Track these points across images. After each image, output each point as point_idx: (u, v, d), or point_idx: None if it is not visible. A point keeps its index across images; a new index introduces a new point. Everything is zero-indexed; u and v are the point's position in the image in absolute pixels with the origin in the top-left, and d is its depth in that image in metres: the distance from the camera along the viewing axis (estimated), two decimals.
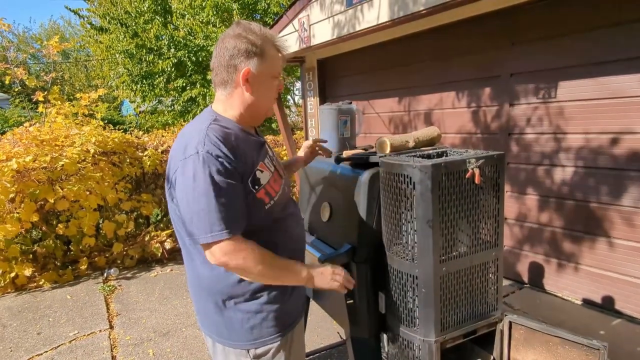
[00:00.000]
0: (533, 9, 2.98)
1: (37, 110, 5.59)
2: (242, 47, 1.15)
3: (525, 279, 3.32)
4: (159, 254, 4.39)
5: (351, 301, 1.64)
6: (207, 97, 7.63)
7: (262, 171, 1.20)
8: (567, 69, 2.86)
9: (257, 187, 1.17)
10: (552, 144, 3.02)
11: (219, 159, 1.06)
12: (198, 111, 7.92)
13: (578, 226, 2.94)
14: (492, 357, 1.61)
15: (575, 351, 1.46)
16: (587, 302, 2.93)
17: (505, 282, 3.33)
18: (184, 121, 8.22)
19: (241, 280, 1.19)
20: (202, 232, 1.06)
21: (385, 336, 1.65)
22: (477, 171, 1.37)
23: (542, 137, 3.07)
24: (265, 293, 1.22)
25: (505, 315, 1.60)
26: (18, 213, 3.78)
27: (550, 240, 3.12)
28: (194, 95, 7.74)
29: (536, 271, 3.24)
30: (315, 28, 4.53)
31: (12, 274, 3.77)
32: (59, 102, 5.26)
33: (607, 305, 2.82)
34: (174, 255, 4.54)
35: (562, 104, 2.92)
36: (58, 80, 17.10)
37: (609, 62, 2.64)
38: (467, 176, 1.37)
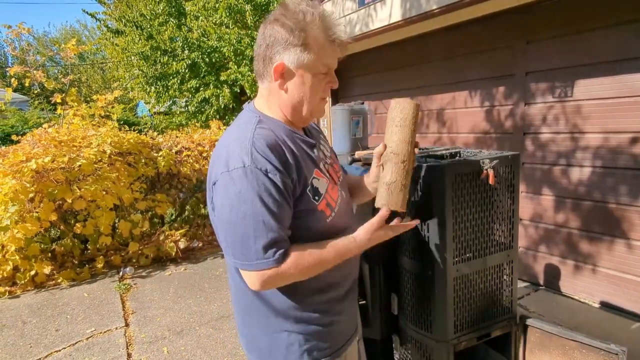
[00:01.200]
0: (548, 6, 2.93)
1: (56, 112, 5.72)
2: (278, 35, 0.96)
3: (541, 280, 3.27)
4: (174, 253, 4.45)
5: (363, 302, 1.64)
6: (220, 98, 7.70)
7: (318, 179, 1.02)
8: (584, 66, 2.80)
9: (317, 197, 1.01)
10: (569, 143, 2.96)
11: (269, 175, 0.91)
12: (211, 112, 8.00)
13: (596, 227, 2.88)
14: None
15: (593, 355, 1.43)
16: (605, 305, 2.86)
17: (521, 284, 3.28)
18: (197, 122, 8.30)
19: (289, 297, 1.06)
20: (246, 259, 0.95)
21: (397, 338, 1.65)
22: (491, 172, 1.35)
23: (558, 137, 3.02)
24: (312, 311, 1.08)
25: (521, 317, 1.57)
26: (37, 212, 3.88)
27: (567, 241, 3.07)
28: (207, 96, 7.82)
29: (552, 273, 3.19)
30: None
31: (32, 272, 3.87)
32: (77, 103, 5.38)
33: (626, 309, 2.75)
34: (187, 255, 4.59)
35: (580, 102, 2.86)
36: (75, 83, 17.48)
37: (628, 59, 2.58)
38: (481, 177, 1.36)
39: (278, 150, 0.95)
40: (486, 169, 1.35)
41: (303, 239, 1.01)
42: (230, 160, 0.93)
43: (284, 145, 0.98)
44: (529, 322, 1.56)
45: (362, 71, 4.93)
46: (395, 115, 1.10)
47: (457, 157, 1.50)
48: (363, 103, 2.04)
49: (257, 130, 0.97)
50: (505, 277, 1.50)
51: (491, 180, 1.35)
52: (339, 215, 1.07)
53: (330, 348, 1.11)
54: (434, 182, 1.31)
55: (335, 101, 5.19)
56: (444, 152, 1.61)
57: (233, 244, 0.96)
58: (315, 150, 1.07)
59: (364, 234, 1.06)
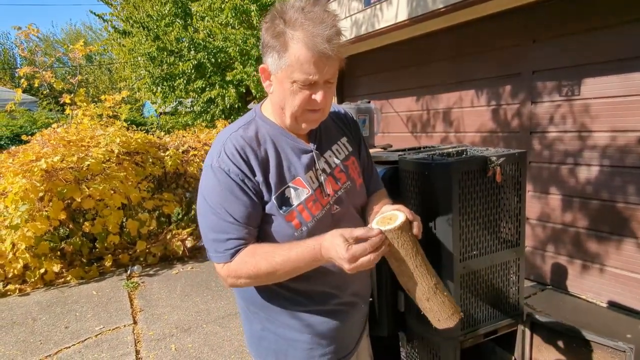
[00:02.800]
0: (555, 5, 2.92)
1: (64, 112, 5.78)
2: (262, 38, 0.95)
3: (548, 280, 3.25)
4: (180, 252, 4.49)
5: (370, 299, 1.65)
6: (226, 98, 7.74)
7: (296, 188, 0.99)
8: (591, 65, 2.79)
9: (284, 207, 0.97)
10: (576, 142, 2.95)
11: (231, 175, 0.95)
12: (217, 112, 8.05)
13: (603, 227, 2.87)
14: (513, 358, 1.59)
15: (600, 353, 1.43)
16: (613, 305, 2.84)
17: (528, 284, 3.27)
18: (203, 121, 8.36)
19: (259, 293, 1.05)
20: (208, 249, 1.00)
21: (404, 335, 1.65)
22: (497, 169, 1.36)
23: (566, 136, 3.01)
24: (298, 309, 1.03)
25: (527, 315, 1.57)
26: (47, 211, 3.92)
27: (575, 241, 3.05)
28: (213, 96, 7.87)
29: (559, 272, 3.17)
30: None
31: (42, 270, 3.92)
32: (85, 104, 5.43)
33: (634, 308, 2.73)
34: (194, 254, 4.62)
35: (587, 101, 2.85)
36: (83, 83, 17.62)
37: (637, 57, 2.56)
38: (487, 174, 1.36)
39: (246, 154, 0.97)
40: (493, 167, 1.35)
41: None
42: (207, 157, 1.01)
43: (260, 148, 0.99)
44: (535, 319, 1.56)
45: (368, 70, 4.93)
46: (391, 246, 0.91)
47: (464, 155, 1.51)
48: (369, 102, 2.05)
49: (238, 131, 1.01)
50: (512, 274, 1.51)
51: (498, 178, 1.36)
52: (314, 233, 0.97)
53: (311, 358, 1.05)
54: (441, 179, 1.32)
55: (341, 100, 5.19)
56: (450, 149, 1.61)
57: (201, 232, 1.02)
58: (305, 157, 1.02)
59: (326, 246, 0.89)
